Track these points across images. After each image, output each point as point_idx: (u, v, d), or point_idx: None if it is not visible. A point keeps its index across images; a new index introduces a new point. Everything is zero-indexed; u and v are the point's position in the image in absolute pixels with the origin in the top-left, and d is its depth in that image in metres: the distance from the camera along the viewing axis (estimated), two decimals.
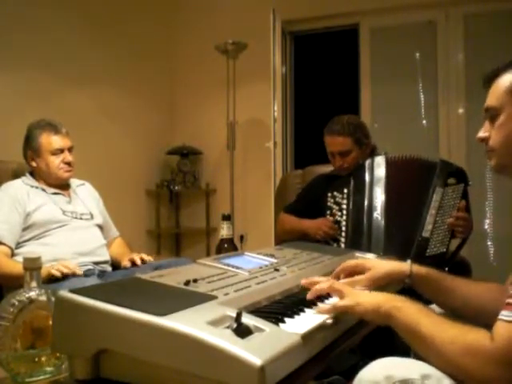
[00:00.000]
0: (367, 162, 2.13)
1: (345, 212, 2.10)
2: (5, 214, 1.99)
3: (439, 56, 3.82)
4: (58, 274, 1.81)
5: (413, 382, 0.87)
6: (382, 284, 1.20)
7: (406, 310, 0.94)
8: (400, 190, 2.05)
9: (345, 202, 2.11)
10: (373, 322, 1.01)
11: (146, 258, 2.11)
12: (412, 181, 2.05)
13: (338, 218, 2.12)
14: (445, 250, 1.96)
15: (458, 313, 1.19)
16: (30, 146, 2.13)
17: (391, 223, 2.01)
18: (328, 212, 2.16)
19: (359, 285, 1.19)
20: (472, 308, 1.17)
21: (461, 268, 2.08)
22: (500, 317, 0.85)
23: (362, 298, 1.01)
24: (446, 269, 1.91)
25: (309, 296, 1.07)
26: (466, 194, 2.02)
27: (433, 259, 1.91)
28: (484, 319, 0.88)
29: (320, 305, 1.06)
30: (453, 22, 3.79)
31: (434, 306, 1.27)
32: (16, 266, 1.80)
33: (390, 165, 2.09)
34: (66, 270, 1.83)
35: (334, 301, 1.06)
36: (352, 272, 1.25)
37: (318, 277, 1.16)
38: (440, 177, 2.00)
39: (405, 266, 1.23)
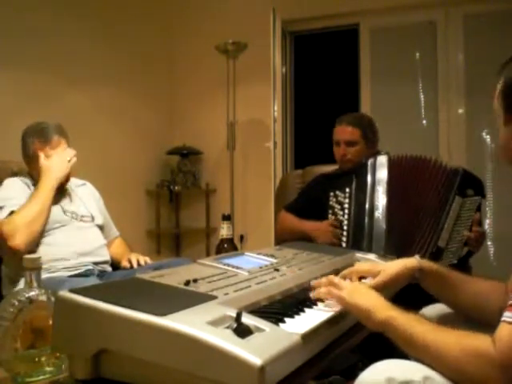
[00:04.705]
0: (369, 162, 2.12)
1: (347, 211, 2.09)
2: (15, 193, 1.97)
3: (439, 56, 3.82)
4: None
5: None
6: (393, 285, 1.20)
7: (401, 320, 0.94)
8: (403, 190, 2.02)
9: (347, 201, 2.10)
10: (365, 325, 1.01)
11: (142, 261, 2.10)
12: (417, 181, 2.01)
13: (340, 218, 2.11)
14: (456, 261, 1.94)
15: (464, 311, 1.19)
16: (25, 153, 2.10)
17: (393, 223, 1.99)
18: (330, 211, 2.15)
19: None
20: (480, 306, 1.16)
21: (461, 268, 2.08)
22: (503, 318, 0.84)
23: (358, 298, 1.02)
24: None
25: (313, 295, 1.09)
26: (479, 207, 2.00)
27: None
28: (491, 318, 0.87)
29: (320, 305, 1.06)
30: (453, 22, 3.79)
31: (429, 309, 1.28)
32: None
33: (392, 164, 2.08)
34: None
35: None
36: (364, 276, 1.26)
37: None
38: (460, 186, 1.94)
39: (413, 262, 1.22)
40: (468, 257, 2.05)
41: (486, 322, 0.88)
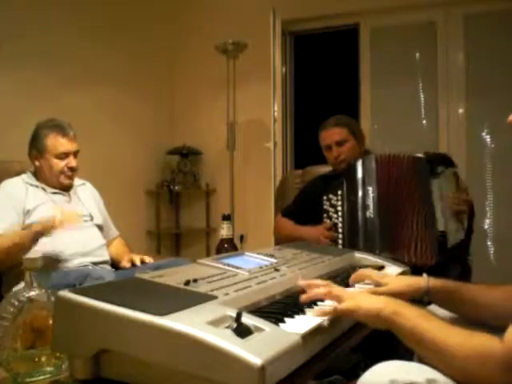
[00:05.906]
0: (358, 163, 2.14)
1: (340, 214, 2.12)
2: (2, 213, 1.98)
3: (439, 56, 3.82)
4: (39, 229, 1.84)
5: None
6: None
7: (407, 315, 0.93)
8: (390, 187, 2.05)
9: (339, 203, 2.13)
10: (372, 325, 1.00)
11: (147, 259, 2.11)
12: (401, 176, 2.05)
13: (335, 221, 2.13)
14: (463, 236, 1.97)
15: (482, 321, 1.16)
16: (35, 146, 2.10)
17: (384, 220, 2.02)
18: (325, 215, 2.18)
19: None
20: (495, 313, 1.14)
21: (461, 268, 2.08)
22: None
23: (362, 302, 1.00)
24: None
25: (303, 299, 1.04)
26: (457, 175, 2.05)
27: (455, 249, 1.93)
28: (507, 324, 0.86)
29: (316, 307, 1.05)
30: (453, 22, 3.78)
31: (433, 307, 1.27)
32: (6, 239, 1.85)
33: (378, 163, 2.10)
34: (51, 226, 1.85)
35: (331, 302, 1.05)
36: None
37: (316, 280, 1.14)
38: (430, 168, 2.01)
39: (420, 282, 1.21)
40: (469, 233, 2.06)
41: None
